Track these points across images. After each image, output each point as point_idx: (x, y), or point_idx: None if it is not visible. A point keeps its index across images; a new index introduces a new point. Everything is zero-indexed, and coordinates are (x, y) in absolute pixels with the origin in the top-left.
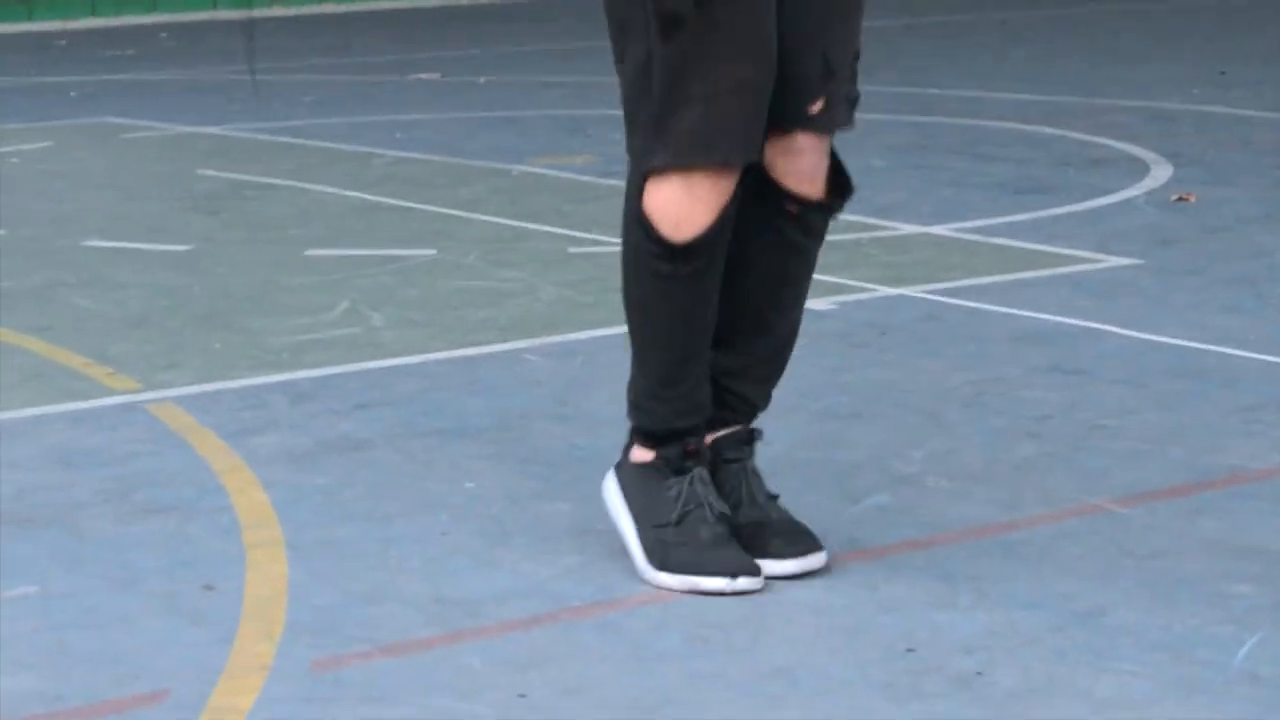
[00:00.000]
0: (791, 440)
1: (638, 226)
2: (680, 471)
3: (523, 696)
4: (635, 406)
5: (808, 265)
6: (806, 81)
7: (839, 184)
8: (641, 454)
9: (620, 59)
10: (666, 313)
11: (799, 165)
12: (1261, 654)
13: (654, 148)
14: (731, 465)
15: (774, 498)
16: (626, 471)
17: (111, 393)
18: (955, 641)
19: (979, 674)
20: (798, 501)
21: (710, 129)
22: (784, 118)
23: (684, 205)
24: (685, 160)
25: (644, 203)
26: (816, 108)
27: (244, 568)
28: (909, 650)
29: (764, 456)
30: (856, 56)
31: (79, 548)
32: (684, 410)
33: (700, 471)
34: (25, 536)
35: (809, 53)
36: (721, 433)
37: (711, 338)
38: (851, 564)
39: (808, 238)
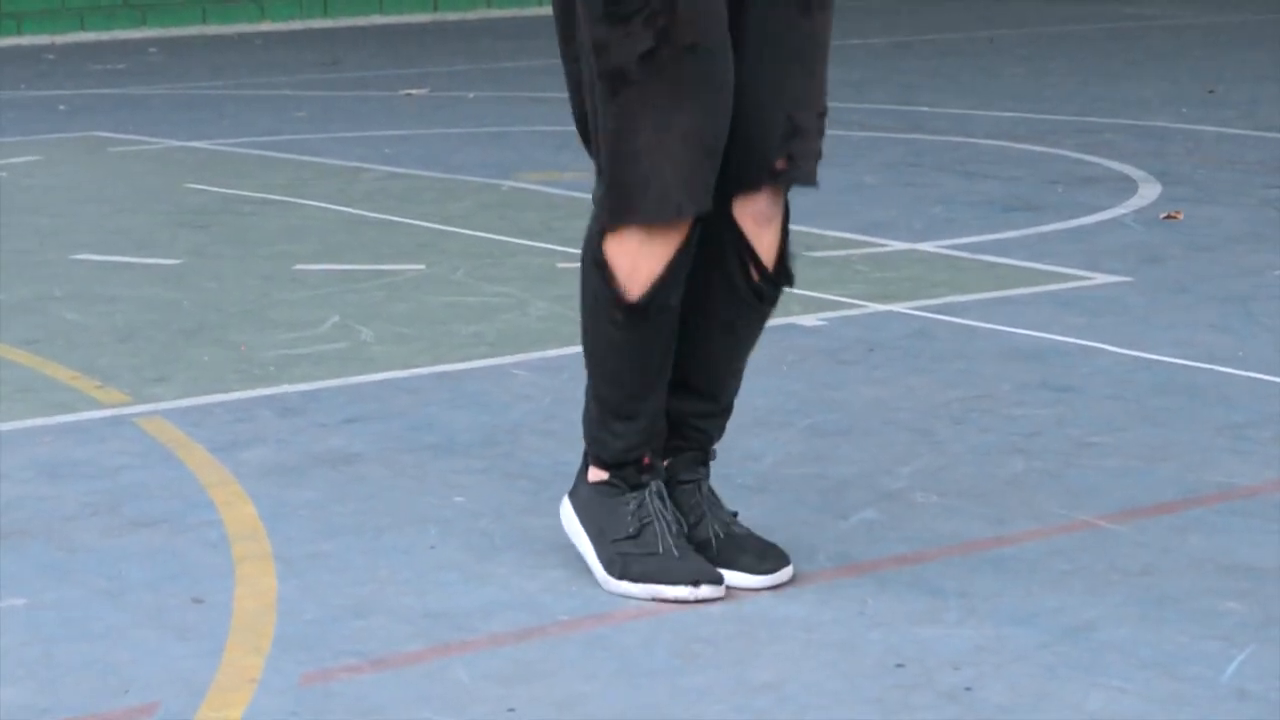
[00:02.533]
0: (780, 456)
1: (597, 273)
2: (637, 487)
3: (511, 711)
4: (590, 437)
5: (761, 324)
6: (770, 141)
7: (784, 263)
8: (597, 474)
9: (575, 113)
10: (619, 357)
11: (755, 210)
12: (1249, 670)
13: (610, 203)
14: (686, 486)
15: (733, 514)
16: (582, 493)
17: (100, 406)
18: (944, 657)
19: (968, 689)
20: (786, 517)
21: (660, 183)
22: (749, 174)
23: (639, 258)
24: (642, 219)
25: (604, 251)
26: (780, 165)
27: (233, 581)
28: (898, 665)
29: (753, 472)
30: (823, 114)
31: (67, 560)
32: (636, 443)
33: (657, 485)
34: (13, 549)
35: (772, 111)
36: (675, 456)
37: (668, 376)
38: (840, 579)
39: (760, 302)
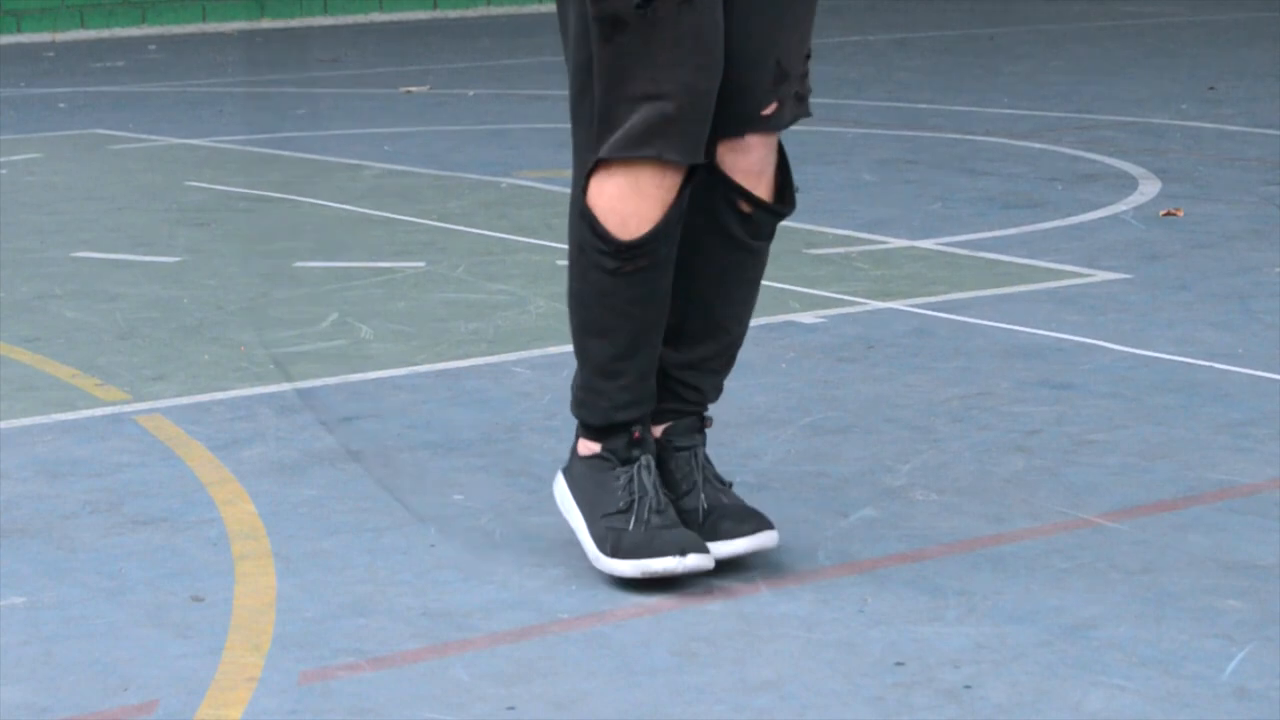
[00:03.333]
0: (780, 454)
1: (582, 222)
2: (628, 461)
3: (511, 709)
4: (576, 401)
5: (758, 265)
6: (759, 87)
7: (786, 191)
8: (588, 446)
9: (566, 59)
10: (608, 309)
11: (747, 164)
12: (1249, 668)
13: (598, 140)
14: (682, 453)
15: (728, 484)
16: (574, 469)
17: (100, 404)
18: (944, 655)
19: (967, 687)
20: (786, 515)
21: (651, 127)
22: (736, 122)
23: (630, 202)
24: (628, 153)
25: (589, 199)
26: (769, 111)
27: (232, 579)
28: (898, 664)
29: (753, 470)
30: (808, 56)
31: (67, 559)
32: (623, 404)
33: (647, 459)
34: (13, 547)
35: (762, 59)
36: (672, 423)
37: (660, 336)
38: (840, 577)
39: (756, 238)
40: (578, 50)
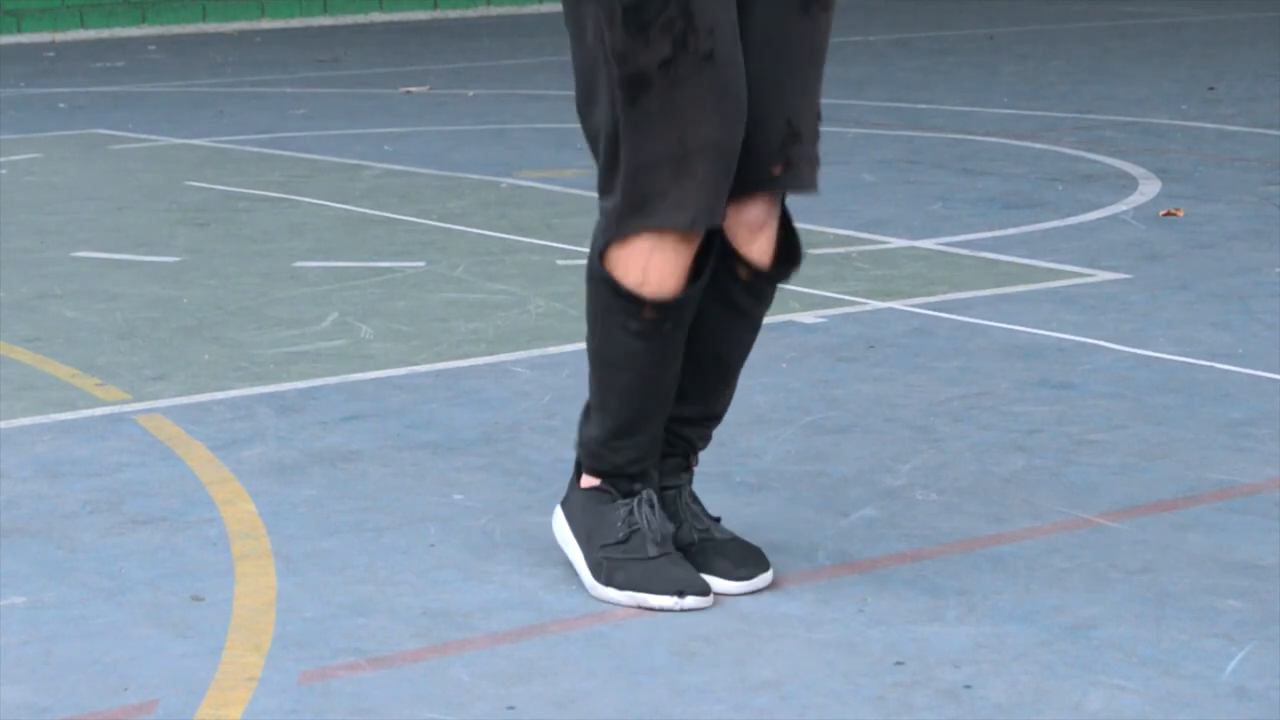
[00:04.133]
0: (780, 454)
1: (603, 286)
2: (629, 494)
3: (511, 709)
4: (587, 451)
5: (754, 330)
6: (770, 145)
7: (790, 249)
8: (590, 480)
9: (586, 122)
10: (630, 373)
11: (748, 218)
12: (1249, 668)
13: (624, 213)
14: (668, 492)
15: (715, 519)
16: (574, 498)
17: (100, 404)
18: (944, 655)
19: (967, 687)
20: (786, 514)
21: (681, 191)
22: (745, 181)
23: (653, 263)
24: (656, 222)
25: (608, 264)
26: (778, 170)
27: (232, 579)
28: (898, 663)
29: (753, 469)
30: (819, 117)
31: (67, 558)
32: (633, 459)
33: (648, 494)
34: (13, 547)
35: (772, 117)
36: (661, 463)
37: (673, 397)
38: (840, 577)
39: (758, 303)
40: (604, 113)
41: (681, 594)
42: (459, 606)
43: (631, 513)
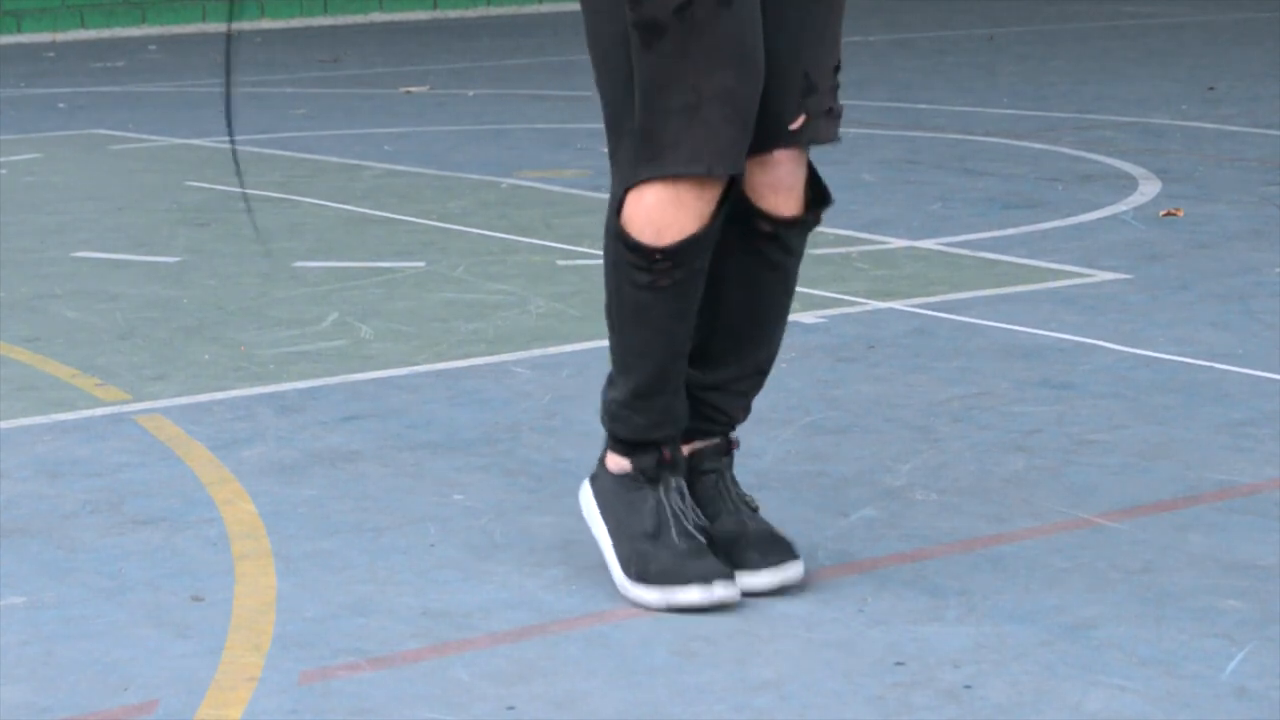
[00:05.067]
0: (780, 454)
1: (617, 239)
2: (656, 481)
3: (511, 709)
4: (610, 414)
5: (787, 283)
6: (787, 99)
7: (817, 195)
8: (618, 463)
9: (600, 74)
10: (645, 326)
11: (776, 179)
12: (1250, 668)
13: (639, 161)
14: (709, 476)
15: (754, 509)
16: (602, 482)
17: (100, 404)
18: (944, 655)
19: (967, 687)
20: (786, 514)
21: (695, 139)
22: (764, 136)
23: (667, 214)
24: (671, 171)
25: (624, 214)
26: (797, 124)
27: (232, 579)
28: (898, 663)
29: (753, 469)
30: (837, 68)
31: (67, 558)
32: (659, 422)
33: (677, 482)
34: (13, 547)
35: (789, 70)
36: (699, 444)
37: (688, 352)
38: (840, 577)
39: (786, 255)
40: (616, 68)
41: (709, 583)
42: (459, 606)
43: (660, 503)
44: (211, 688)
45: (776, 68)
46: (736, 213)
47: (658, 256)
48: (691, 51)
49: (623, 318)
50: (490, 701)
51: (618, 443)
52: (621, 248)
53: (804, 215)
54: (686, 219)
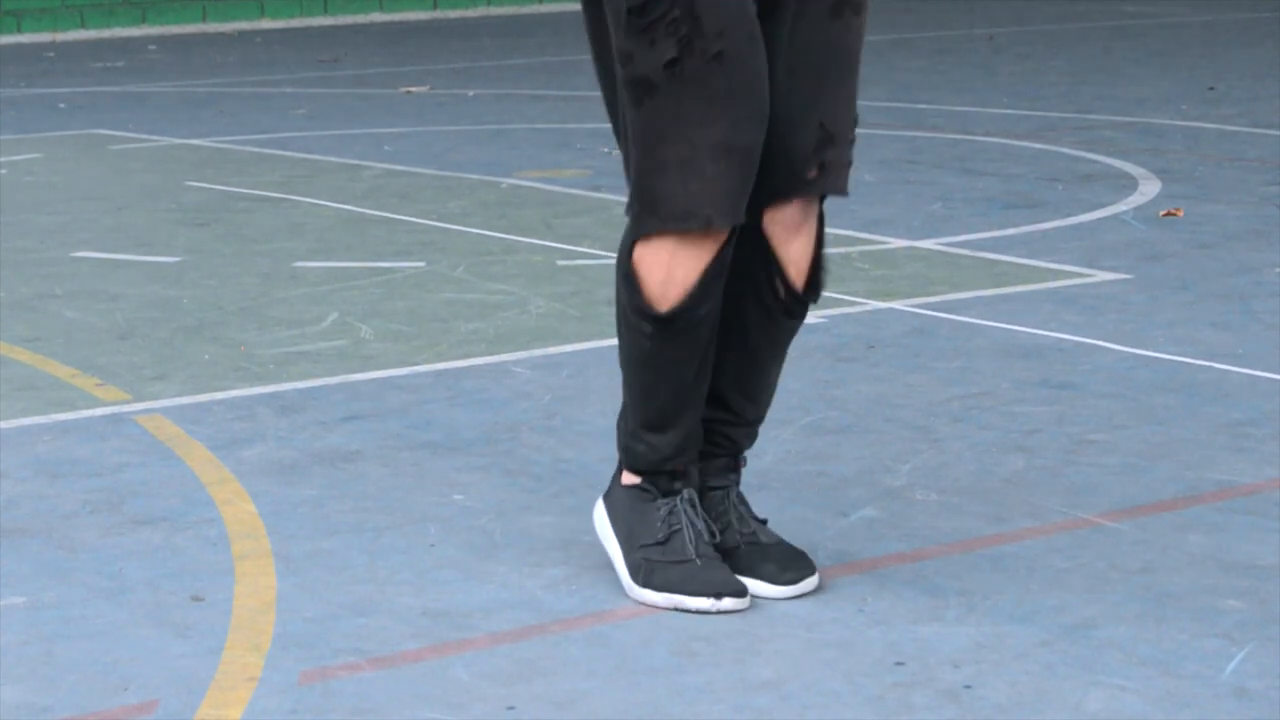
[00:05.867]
0: (780, 454)
1: (625, 286)
2: (669, 494)
3: (511, 709)
4: (622, 443)
5: (792, 334)
6: (804, 150)
7: (816, 272)
8: (630, 477)
9: (613, 125)
10: (652, 369)
11: (785, 217)
12: (1249, 668)
13: (640, 215)
14: (716, 493)
15: (762, 521)
16: (615, 496)
17: (100, 404)
18: (944, 655)
19: (967, 687)
20: (786, 514)
21: (691, 193)
22: (781, 186)
23: (674, 262)
24: (670, 226)
25: (633, 262)
26: (812, 174)
27: (232, 579)
28: (898, 663)
29: (753, 469)
30: (856, 122)
31: (67, 558)
32: (670, 455)
33: (689, 493)
34: (13, 547)
35: (806, 121)
36: (705, 463)
37: (705, 388)
38: (840, 577)
39: (788, 318)
40: (622, 114)
41: (719, 596)
42: (459, 606)
43: (672, 513)
44: (211, 688)
45: (792, 117)
46: (755, 262)
47: (662, 320)
48: (684, 106)
49: (630, 359)
50: (490, 701)
51: (631, 467)
52: (628, 295)
53: (806, 292)
54: (688, 270)
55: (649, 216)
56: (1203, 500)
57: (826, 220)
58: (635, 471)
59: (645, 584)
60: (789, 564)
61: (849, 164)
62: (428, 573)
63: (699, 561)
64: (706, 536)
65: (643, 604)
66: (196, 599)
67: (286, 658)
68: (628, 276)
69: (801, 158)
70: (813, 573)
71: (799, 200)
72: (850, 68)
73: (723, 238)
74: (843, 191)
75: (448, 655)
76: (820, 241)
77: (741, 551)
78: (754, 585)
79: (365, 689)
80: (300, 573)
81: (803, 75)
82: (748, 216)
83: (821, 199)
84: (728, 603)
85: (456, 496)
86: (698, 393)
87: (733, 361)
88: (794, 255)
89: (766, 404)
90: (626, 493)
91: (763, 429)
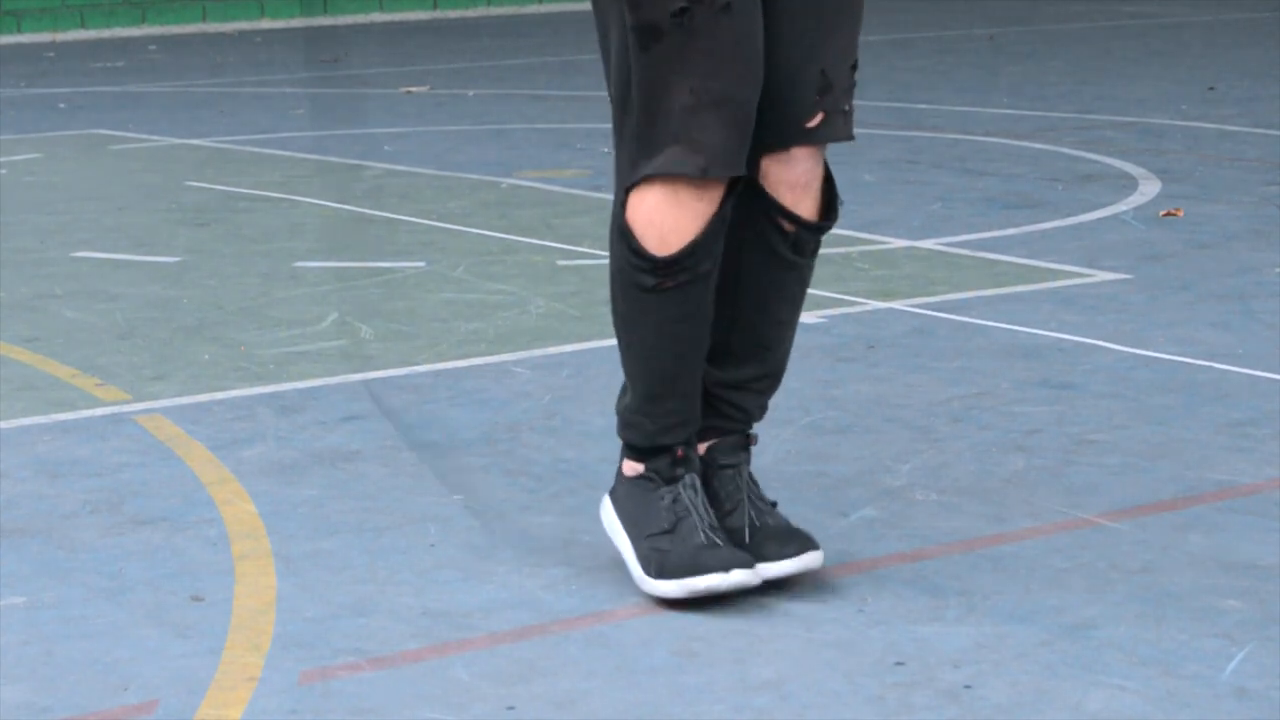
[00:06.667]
0: (780, 453)
1: (621, 240)
2: (672, 480)
3: (511, 709)
4: (623, 422)
5: (802, 282)
6: (804, 97)
7: (829, 200)
8: (632, 467)
9: (608, 71)
10: (651, 329)
11: (794, 176)
12: (1249, 668)
13: (637, 161)
14: (727, 471)
15: (772, 504)
16: (619, 490)
17: (100, 404)
18: (944, 655)
19: (967, 687)
20: (786, 514)
21: (691, 141)
22: (781, 133)
23: (669, 218)
24: (666, 171)
25: (627, 215)
26: (814, 123)
27: (232, 579)
28: (898, 663)
29: (753, 468)
30: (854, 67)
31: (67, 558)
32: (669, 426)
33: (692, 479)
34: (13, 547)
35: (806, 68)
36: (716, 440)
37: (704, 355)
38: (840, 577)
39: (800, 255)
40: (619, 68)
41: (727, 569)
42: (459, 606)
43: (676, 500)
44: (211, 688)
45: (791, 65)
46: (753, 211)
47: (662, 264)
48: (689, 56)
49: (629, 320)
50: (490, 701)
51: (631, 449)
52: (626, 250)
53: (820, 221)
54: (687, 221)
55: (646, 162)
56: (1203, 500)
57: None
58: (636, 453)
59: (658, 575)
60: (790, 539)
61: (850, 110)
62: (428, 573)
63: (707, 544)
64: (709, 523)
65: (655, 596)
66: (196, 599)
67: (286, 658)
68: (624, 230)
69: (802, 106)
70: (815, 548)
71: (803, 154)
72: (852, 15)
73: (721, 190)
74: (847, 136)
75: (448, 655)
76: (829, 178)
77: (749, 533)
78: (760, 567)
79: (365, 689)
80: (300, 573)
81: (804, 23)
82: (748, 170)
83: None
84: (736, 575)
85: (456, 496)
86: (695, 359)
87: (739, 316)
88: (805, 209)
89: (779, 364)
90: (630, 485)
91: (763, 428)
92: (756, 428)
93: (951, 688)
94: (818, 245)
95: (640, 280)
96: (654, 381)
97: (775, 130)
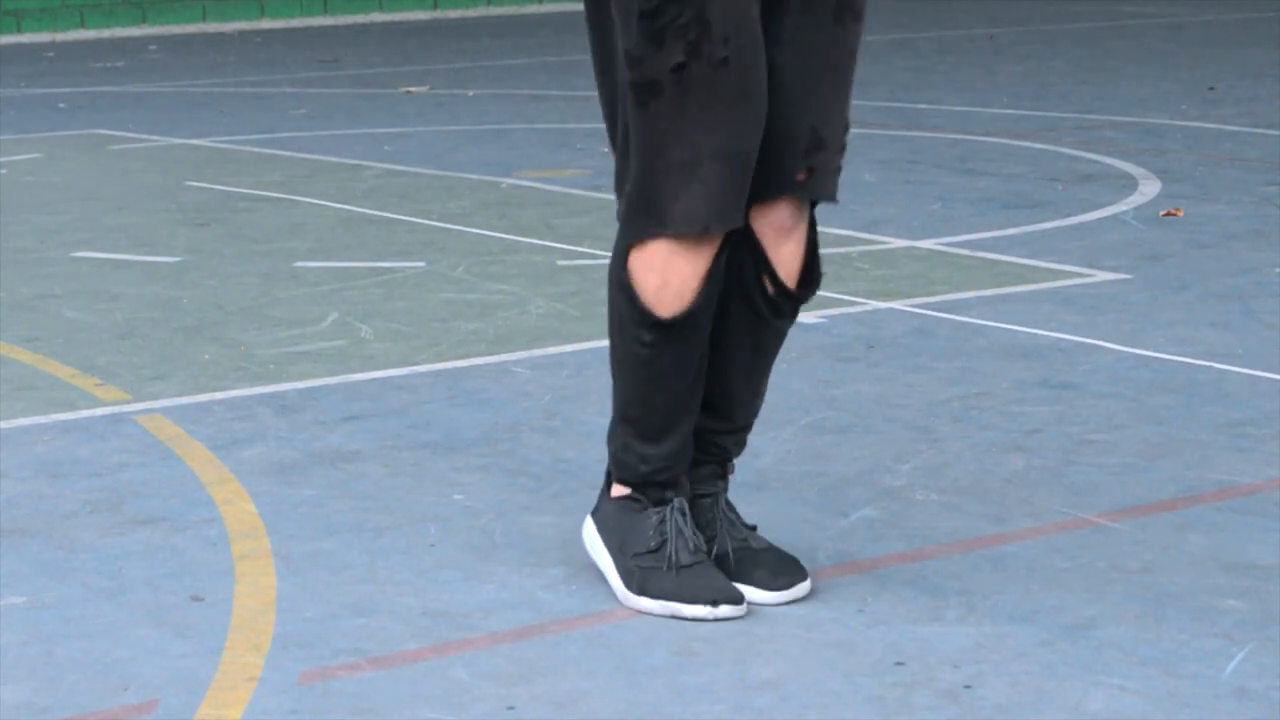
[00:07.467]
0: (780, 454)
1: (621, 294)
2: (660, 503)
3: (510, 709)
4: (614, 457)
5: (776, 343)
6: (794, 152)
7: (810, 274)
8: (620, 489)
9: (611, 134)
10: (647, 378)
11: (778, 220)
12: (1249, 668)
13: (637, 218)
14: (704, 500)
15: (751, 528)
16: (604, 509)
17: (100, 404)
18: (944, 655)
19: (967, 687)
20: (786, 515)
21: (694, 197)
22: (769, 186)
23: (669, 268)
24: (671, 231)
25: (628, 269)
26: (801, 177)
27: (232, 579)
28: (898, 664)
29: (753, 469)
30: (847, 128)
31: (67, 558)
32: (663, 467)
33: (680, 502)
34: (13, 547)
35: (798, 124)
36: (693, 469)
37: (699, 402)
38: (840, 578)
39: (777, 317)
40: (622, 116)
41: (715, 603)
42: (459, 606)
43: (663, 521)
44: (211, 688)
45: (785, 119)
46: (742, 264)
47: (663, 326)
48: (688, 111)
49: (625, 368)
50: (490, 701)
51: (622, 480)
52: (626, 303)
53: (798, 290)
54: (687, 276)
55: (648, 220)
56: (1203, 500)
57: (824, 221)
58: (626, 484)
59: (640, 591)
60: (781, 569)
61: (838, 170)
62: (428, 573)
63: (694, 568)
64: (696, 544)
65: (638, 611)
66: (196, 599)
67: (286, 658)
68: (624, 285)
69: (791, 160)
70: (805, 578)
71: (787, 201)
72: (846, 73)
73: (718, 242)
74: (831, 198)
75: (448, 655)
76: (814, 246)
77: (733, 558)
78: (746, 591)
79: (365, 689)
80: (300, 573)
81: (799, 78)
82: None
83: (812, 205)
84: (724, 609)
85: (456, 496)
86: (692, 402)
87: (720, 367)
88: (784, 257)
89: (753, 412)
90: (616, 504)
91: (763, 429)
92: (754, 432)
93: (951, 688)
94: (795, 313)
95: (639, 335)
96: (649, 427)
97: (763, 182)
